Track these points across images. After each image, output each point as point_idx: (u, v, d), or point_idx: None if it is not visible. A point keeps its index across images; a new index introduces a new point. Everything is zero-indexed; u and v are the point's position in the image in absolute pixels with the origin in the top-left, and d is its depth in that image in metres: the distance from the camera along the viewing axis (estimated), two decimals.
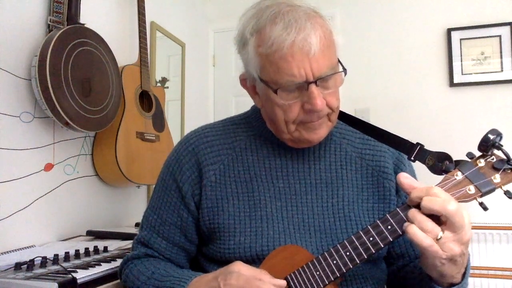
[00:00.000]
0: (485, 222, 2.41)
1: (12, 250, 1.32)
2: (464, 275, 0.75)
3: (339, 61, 0.84)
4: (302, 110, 0.81)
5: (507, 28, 2.51)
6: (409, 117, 2.61)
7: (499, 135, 0.71)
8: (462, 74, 2.59)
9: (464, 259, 0.72)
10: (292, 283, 0.77)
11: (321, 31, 0.78)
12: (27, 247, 1.38)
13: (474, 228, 2.43)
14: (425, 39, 2.66)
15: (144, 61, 1.92)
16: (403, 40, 2.70)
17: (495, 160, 0.72)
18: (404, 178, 0.73)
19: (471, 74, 2.57)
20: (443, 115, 2.58)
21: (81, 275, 1.04)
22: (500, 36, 2.53)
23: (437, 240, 0.67)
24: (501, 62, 2.52)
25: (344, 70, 0.83)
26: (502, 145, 0.72)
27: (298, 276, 0.77)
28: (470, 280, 2.54)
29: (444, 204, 0.66)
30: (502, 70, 2.52)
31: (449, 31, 2.61)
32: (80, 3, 1.56)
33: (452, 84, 2.59)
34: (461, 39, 2.59)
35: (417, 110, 2.63)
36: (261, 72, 0.82)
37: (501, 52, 2.53)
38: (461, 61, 2.59)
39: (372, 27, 2.76)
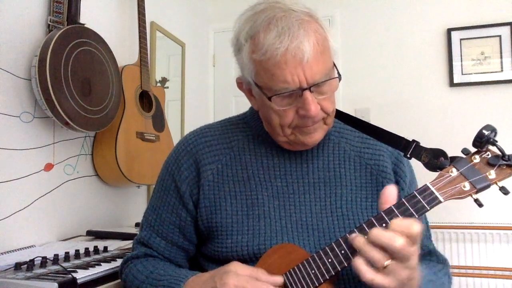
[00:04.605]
0: (485, 222, 2.41)
1: (12, 250, 1.32)
2: None
3: (334, 66, 0.83)
4: (297, 115, 0.81)
5: (507, 28, 2.51)
6: (409, 117, 2.61)
7: (493, 130, 0.70)
8: (462, 74, 2.59)
9: (414, 283, 0.70)
10: (288, 282, 0.77)
11: (315, 38, 0.77)
12: (27, 247, 1.38)
13: (474, 228, 2.43)
14: (425, 39, 2.66)
15: (144, 61, 1.92)
16: (403, 40, 2.70)
17: (490, 156, 0.71)
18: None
19: (471, 74, 2.57)
20: (443, 115, 2.58)
21: (81, 275, 1.04)
22: (500, 36, 2.53)
23: (384, 267, 0.65)
24: (501, 62, 2.52)
25: (339, 75, 0.82)
26: (496, 141, 0.70)
27: (294, 274, 0.77)
28: (470, 280, 2.54)
29: (390, 240, 0.64)
30: (502, 70, 2.52)
31: (449, 31, 2.61)
32: (80, 3, 1.56)
33: (452, 84, 2.59)
34: (461, 39, 2.59)
35: (417, 110, 2.63)
36: (255, 78, 0.82)
37: (501, 52, 2.53)
38: (461, 61, 2.59)
39: (372, 27, 2.76)
